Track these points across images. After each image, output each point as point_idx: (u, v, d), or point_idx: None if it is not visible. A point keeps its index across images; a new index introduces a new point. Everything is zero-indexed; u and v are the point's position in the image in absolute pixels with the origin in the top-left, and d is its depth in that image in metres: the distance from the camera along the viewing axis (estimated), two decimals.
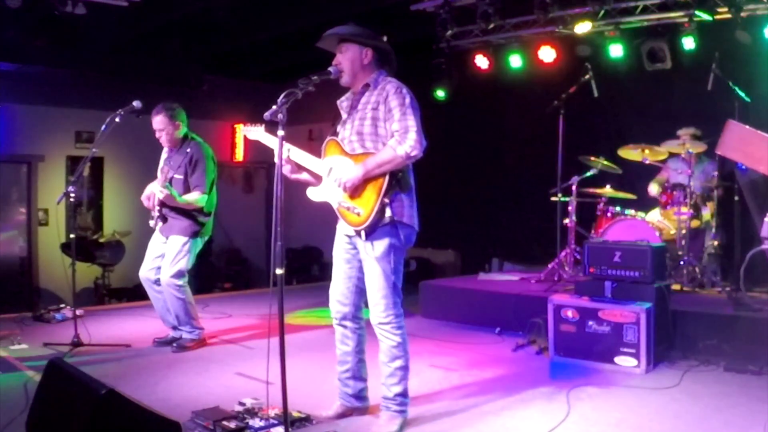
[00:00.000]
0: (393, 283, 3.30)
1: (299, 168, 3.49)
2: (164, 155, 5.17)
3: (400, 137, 3.18)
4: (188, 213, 4.96)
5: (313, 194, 3.44)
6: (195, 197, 4.92)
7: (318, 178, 3.47)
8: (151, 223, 4.94)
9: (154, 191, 4.81)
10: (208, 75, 9.77)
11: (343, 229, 3.44)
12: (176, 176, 4.97)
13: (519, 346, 5.10)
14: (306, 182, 3.50)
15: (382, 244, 3.25)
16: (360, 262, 3.38)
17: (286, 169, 3.40)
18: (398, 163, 3.19)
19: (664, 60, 6.83)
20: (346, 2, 7.40)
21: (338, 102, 3.53)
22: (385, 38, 3.45)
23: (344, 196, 3.28)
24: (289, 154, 3.39)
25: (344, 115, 3.47)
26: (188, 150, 5.00)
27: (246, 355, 4.91)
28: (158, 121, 4.98)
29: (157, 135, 5.03)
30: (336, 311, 3.49)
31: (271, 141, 3.54)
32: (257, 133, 3.69)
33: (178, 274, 4.93)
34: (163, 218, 4.90)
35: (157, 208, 4.87)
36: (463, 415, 3.59)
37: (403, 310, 3.39)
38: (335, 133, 3.47)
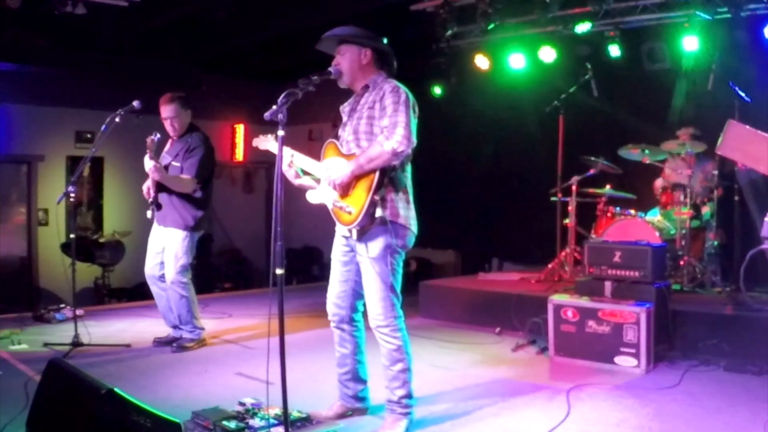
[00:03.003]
0: (391, 285, 3.25)
1: (303, 173, 3.44)
2: (166, 148, 5.11)
3: (388, 132, 3.12)
4: (182, 204, 4.90)
5: (311, 197, 3.39)
6: (184, 178, 4.86)
7: (319, 182, 3.44)
8: (149, 213, 4.88)
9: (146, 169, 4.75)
10: (208, 75, 9.77)
11: (340, 230, 3.42)
12: (174, 163, 4.94)
13: (519, 346, 5.10)
14: (309, 187, 3.41)
15: (377, 245, 3.21)
16: (357, 265, 3.35)
17: (290, 174, 3.36)
18: (386, 160, 3.11)
19: (664, 60, 6.82)
20: (346, 2, 7.40)
21: (341, 107, 3.50)
22: (384, 40, 3.43)
23: (337, 196, 3.26)
24: (292, 160, 3.33)
25: (345, 118, 3.45)
26: (189, 140, 4.98)
27: (246, 355, 4.92)
28: (170, 110, 4.93)
29: (167, 124, 4.98)
30: (332, 314, 3.49)
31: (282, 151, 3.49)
32: (268, 143, 3.61)
33: (182, 270, 4.93)
34: (158, 205, 4.81)
35: (152, 193, 4.80)
36: (464, 415, 3.59)
37: (403, 312, 3.35)
38: (336, 136, 3.45)
